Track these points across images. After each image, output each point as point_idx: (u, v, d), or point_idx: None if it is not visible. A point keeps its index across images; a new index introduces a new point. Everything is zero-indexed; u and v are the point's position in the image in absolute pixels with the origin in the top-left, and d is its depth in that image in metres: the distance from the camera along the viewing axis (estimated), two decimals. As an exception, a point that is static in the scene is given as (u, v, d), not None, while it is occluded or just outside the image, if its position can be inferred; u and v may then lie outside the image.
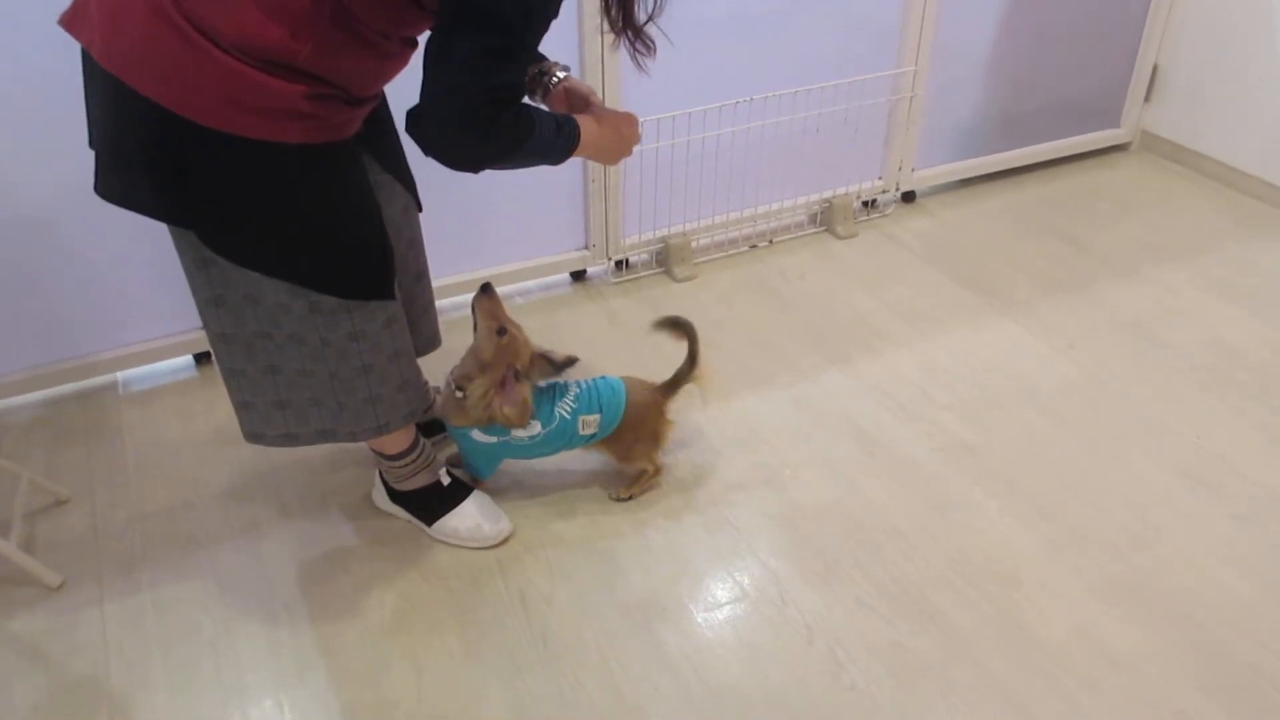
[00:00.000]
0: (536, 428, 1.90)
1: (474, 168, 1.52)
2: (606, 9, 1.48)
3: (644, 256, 2.87)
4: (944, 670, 1.72)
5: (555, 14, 1.43)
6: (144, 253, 2.27)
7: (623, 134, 1.74)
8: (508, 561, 1.94)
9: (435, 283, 2.06)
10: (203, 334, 2.40)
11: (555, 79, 1.77)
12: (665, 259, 2.84)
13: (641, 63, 1.54)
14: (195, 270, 1.58)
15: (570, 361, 1.91)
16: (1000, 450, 2.19)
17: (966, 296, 2.73)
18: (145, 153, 1.43)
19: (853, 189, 3.06)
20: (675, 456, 2.13)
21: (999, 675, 1.71)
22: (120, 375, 2.43)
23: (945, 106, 3.10)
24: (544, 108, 1.76)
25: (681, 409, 2.03)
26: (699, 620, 1.82)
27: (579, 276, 2.83)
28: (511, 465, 2.09)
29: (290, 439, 1.78)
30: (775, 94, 2.75)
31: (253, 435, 1.78)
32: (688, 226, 2.85)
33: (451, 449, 2.14)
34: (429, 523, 1.97)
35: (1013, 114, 3.26)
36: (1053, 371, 2.44)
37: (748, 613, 1.83)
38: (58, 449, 2.22)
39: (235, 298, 1.59)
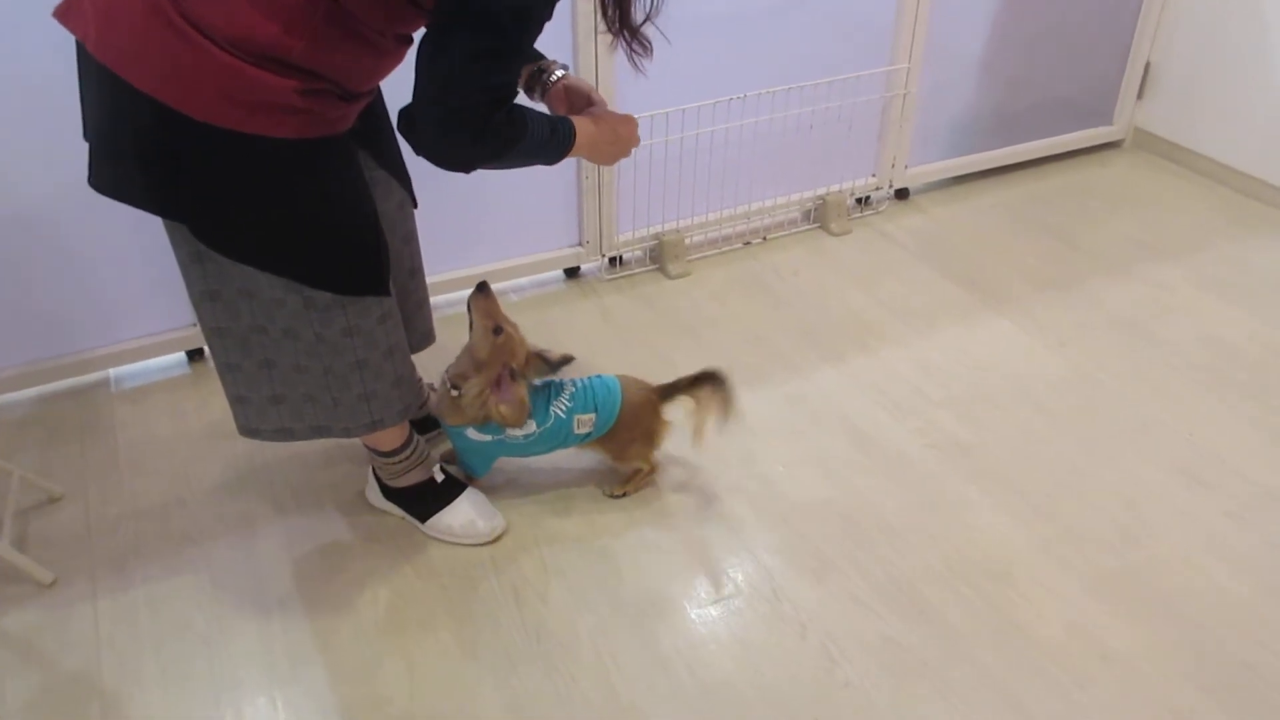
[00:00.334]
0: (532, 426, 1.90)
1: (466, 168, 1.52)
2: (603, 9, 1.48)
3: (637, 253, 2.87)
4: (938, 667, 1.72)
5: (549, 15, 1.43)
6: (136, 250, 2.26)
7: (620, 135, 1.74)
8: (501, 558, 1.93)
9: (429, 279, 2.06)
10: (195, 331, 2.41)
11: (554, 77, 1.77)
12: (659, 256, 2.84)
13: (638, 63, 1.54)
14: (190, 264, 1.57)
15: (566, 360, 1.91)
16: (994, 447, 2.20)
17: (960, 294, 2.73)
18: (139, 146, 1.43)
19: (846, 186, 3.06)
20: (669, 454, 2.12)
21: (994, 672, 1.71)
22: (112, 372, 2.42)
23: (939, 104, 3.11)
24: (543, 107, 1.76)
25: (677, 410, 2.03)
26: (693, 617, 1.82)
27: (572, 273, 2.83)
28: (505, 463, 2.09)
29: (285, 434, 1.77)
30: (769, 91, 2.75)
31: (248, 430, 1.78)
32: (681, 223, 2.85)
33: (445, 446, 2.14)
34: (423, 519, 1.97)
35: (1006, 111, 3.27)
36: (1046, 369, 2.44)
37: (742, 609, 1.83)
38: (50, 446, 2.21)
39: (230, 292, 1.59)
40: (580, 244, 2.77)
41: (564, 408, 1.92)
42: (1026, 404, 2.32)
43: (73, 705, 1.67)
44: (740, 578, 1.89)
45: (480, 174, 1.57)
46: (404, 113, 1.47)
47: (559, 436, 1.94)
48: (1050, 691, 1.68)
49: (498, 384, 1.83)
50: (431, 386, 2.20)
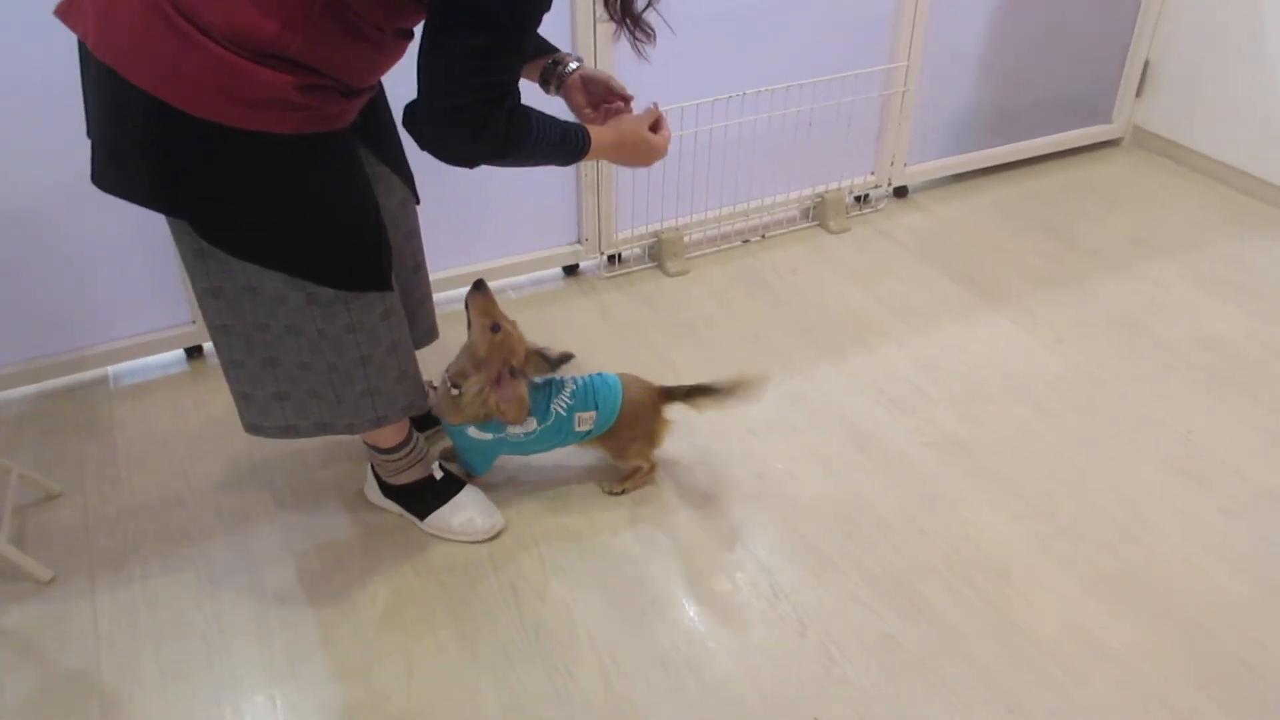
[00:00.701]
0: (532, 424, 1.90)
1: (468, 164, 1.52)
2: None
3: (636, 251, 2.87)
4: (936, 664, 1.73)
5: (547, 7, 1.43)
6: (136, 247, 2.26)
7: (643, 138, 1.72)
8: (500, 556, 1.94)
9: (430, 276, 2.05)
10: (194, 328, 2.41)
11: (569, 69, 1.76)
12: (658, 254, 2.84)
13: (642, 50, 1.53)
14: (193, 260, 1.58)
15: (565, 358, 1.90)
16: (992, 445, 2.20)
17: (958, 291, 2.73)
18: (140, 143, 1.43)
19: (845, 184, 3.06)
20: (668, 451, 2.12)
21: (990, 669, 1.72)
22: (111, 369, 2.42)
23: (938, 101, 3.11)
24: (562, 102, 1.75)
25: (678, 411, 2.03)
26: (691, 614, 1.82)
27: (571, 271, 2.83)
28: (505, 460, 2.09)
29: (289, 431, 1.77)
30: (768, 89, 2.75)
31: (252, 427, 1.78)
32: (680, 221, 2.85)
33: (445, 443, 2.14)
34: (421, 517, 1.97)
35: (1005, 109, 3.27)
36: (1044, 366, 2.44)
37: (740, 606, 1.83)
38: (49, 443, 2.21)
39: (233, 289, 1.59)
40: (579, 242, 2.77)
41: (565, 405, 1.92)
42: (1025, 402, 2.33)
43: (72, 703, 1.67)
44: (739, 576, 1.90)
45: (482, 171, 1.56)
46: (408, 108, 1.47)
47: (560, 434, 1.94)
48: (1048, 689, 1.68)
49: (498, 381, 1.83)
50: (431, 385, 2.20)
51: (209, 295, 1.61)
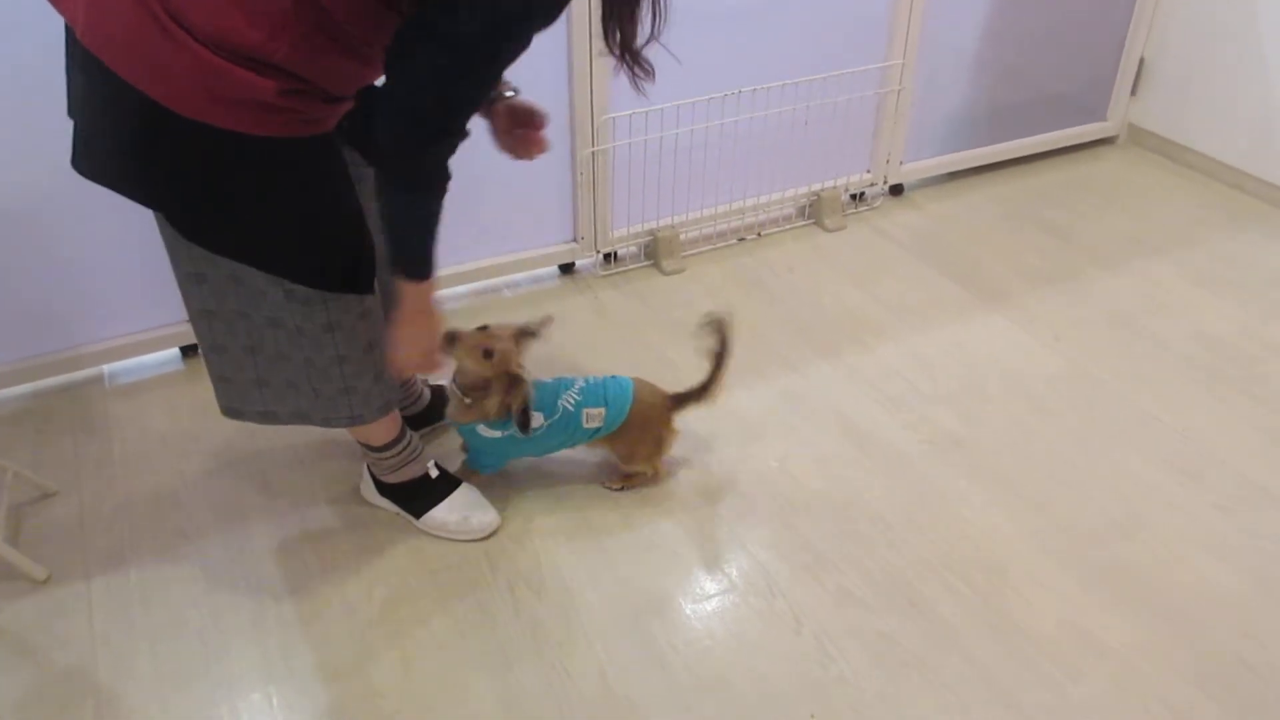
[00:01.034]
0: (539, 419, 1.90)
1: (410, 176, 1.51)
2: (606, 34, 1.47)
3: (632, 249, 2.86)
4: (932, 661, 1.73)
5: (525, 48, 1.41)
6: (130, 246, 2.26)
7: (432, 325, 1.69)
8: (496, 553, 1.93)
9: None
10: (189, 327, 2.39)
11: (506, 95, 1.75)
12: (654, 252, 2.83)
13: (640, 86, 1.53)
14: (177, 245, 1.58)
15: (545, 321, 1.90)
16: (988, 442, 2.20)
17: (954, 289, 2.73)
18: (121, 134, 1.43)
19: (841, 182, 3.06)
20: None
21: (986, 665, 1.72)
22: (106, 368, 2.42)
23: (933, 100, 3.11)
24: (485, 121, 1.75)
25: (686, 418, 2.03)
26: (687, 611, 1.82)
27: (567, 269, 2.82)
28: (500, 458, 2.09)
29: (268, 416, 1.78)
30: (764, 87, 2.75)
31: (230, 410, 1.78)
32: (676, 219, 2.85)
33: (442, 442, 2.14)
34: (417, 515, 1.97)
35: (1000, 107, 3.27)
36: (1040, 364, 2.44)
37: (736, 604, 1.83)
38: (44, 442, 2.21)
39: (217, 276, 1.59)
40: (575, 240, 2.77)
41: (573, 401, 1.92)
42: (1021, 399, 2.33)
43: (67, 702, 1.67)
44: (735, 573, 1.90)
45: (479, 170, 1.56)
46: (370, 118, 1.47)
47: (568, 430, 1.94)
48: (1044, 686, 1.68)
49: (509, 387, 1.84)
50: (427, 384, 2.20)
51: (192, 281, 1.61)
